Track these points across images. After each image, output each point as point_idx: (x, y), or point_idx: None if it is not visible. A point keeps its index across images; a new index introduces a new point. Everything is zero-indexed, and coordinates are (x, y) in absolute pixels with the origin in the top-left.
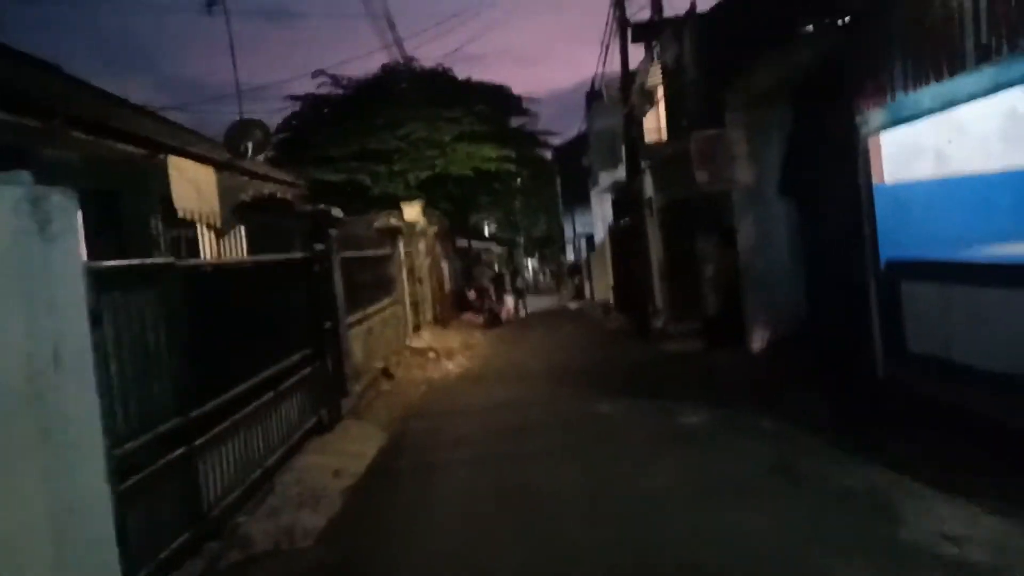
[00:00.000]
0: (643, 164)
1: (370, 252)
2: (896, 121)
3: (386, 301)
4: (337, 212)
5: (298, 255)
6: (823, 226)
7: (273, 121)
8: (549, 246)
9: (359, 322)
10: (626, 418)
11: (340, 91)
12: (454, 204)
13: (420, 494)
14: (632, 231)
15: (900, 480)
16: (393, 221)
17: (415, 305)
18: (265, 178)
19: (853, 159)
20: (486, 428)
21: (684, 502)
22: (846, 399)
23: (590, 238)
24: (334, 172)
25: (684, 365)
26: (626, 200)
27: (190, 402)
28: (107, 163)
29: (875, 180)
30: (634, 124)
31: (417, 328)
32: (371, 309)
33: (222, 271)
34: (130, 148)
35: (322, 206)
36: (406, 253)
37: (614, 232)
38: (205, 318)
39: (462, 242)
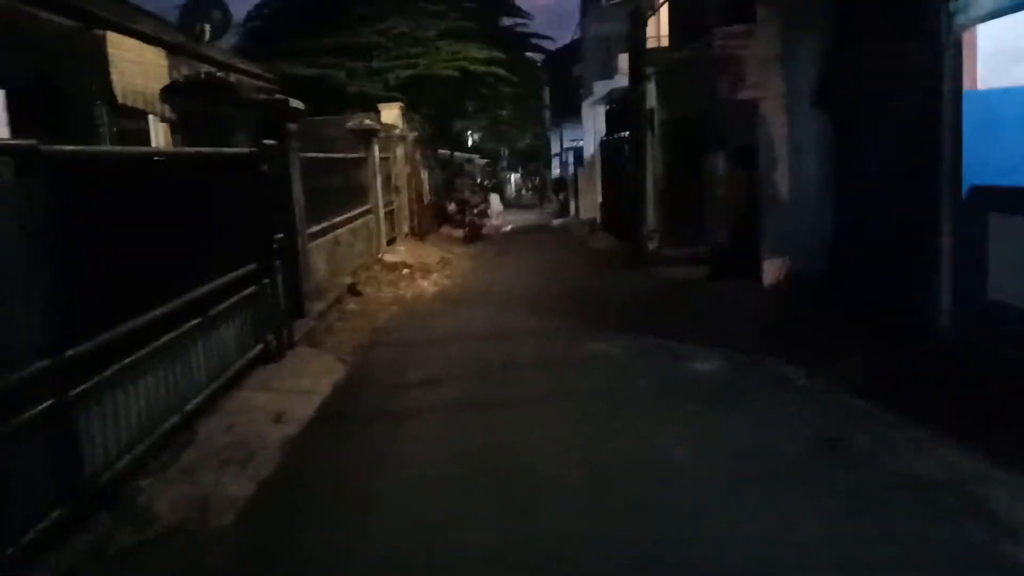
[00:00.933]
0: (647, 71)
1: (340, 155)
2: (1013, 6)
3: (357, 210)
4: (297, 104)
5: (241, 151)
6: (868, 145)
7: (238, 9)
8: (534, 160)
9: (324, 233)
10: (626, 360)
11: None
12: (437, 109)
13: (375, 454)
14: (629, 145)
15: (991, 469)
16: (368, 122)
17: (390, 216)
18: (225, 66)
19: (931, 60)
20: (461, 365)
21: (705, 489)
22: (897, 353)
23: (578, 153)
24: (307, 67)
25: (687, 295)
26: (623, 112)
27: (67, 338)
28: (33, 37)
29: (965, 86)
30: (640, 24)
31: (392, 241)
32: (339, 219)
33: (125, 165)
34: (57, 19)
35: (280, 95)
36: (382, 159)
37: (606, 146)
38: (99, 226)
39: (444, 152)
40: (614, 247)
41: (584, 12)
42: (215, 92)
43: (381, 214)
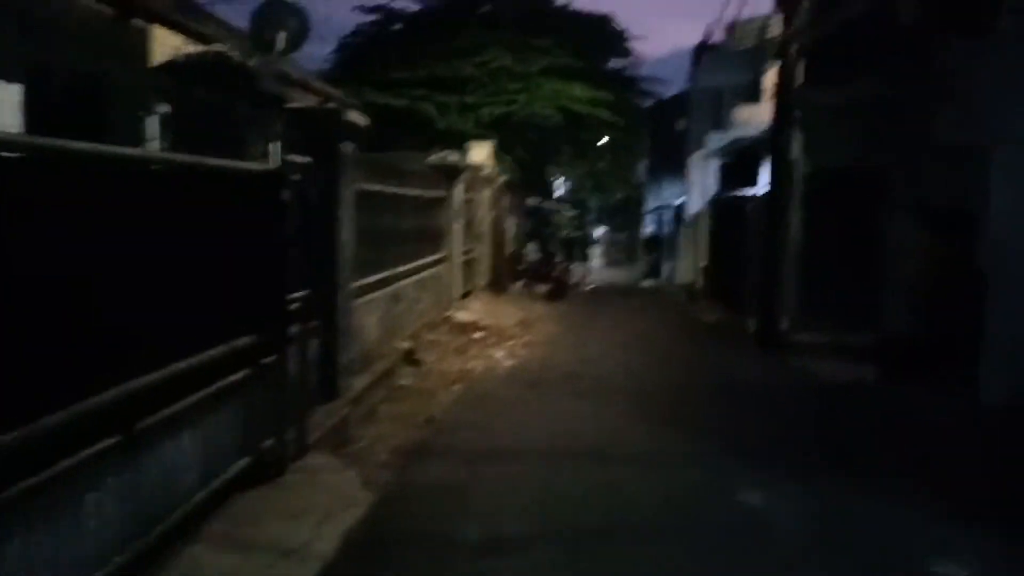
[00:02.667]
0: (794, 115)
1: (413, 191)
2: None
3: (429, 259)
4: (355, 117)
5: (245, 167)
6: None
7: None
8: (622, 214)
9: (380, 285)
10: (808, 540)
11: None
12: (531, 152)
13: None
14: (757, 203)
15: None
16: (453, 159)
17: (468, 266)
18: (302, 86)
19: None
20: (545, 512)
21: None
22: None
23: (678, 210)
24: (397, 98)
25: (861, 407)
26: (749, 165)
27: None
28: (63, 30)
29: None
30: (788, 57)
31: (466, 295)
32: (403, 268)
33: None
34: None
35: (332, 105)
36: (466, 201)
37: (719, 205)
38: None
39: (532, 199)
40: (726, 321)
41: (696, 61)
42: (224, 79)
43: (457, 264)
